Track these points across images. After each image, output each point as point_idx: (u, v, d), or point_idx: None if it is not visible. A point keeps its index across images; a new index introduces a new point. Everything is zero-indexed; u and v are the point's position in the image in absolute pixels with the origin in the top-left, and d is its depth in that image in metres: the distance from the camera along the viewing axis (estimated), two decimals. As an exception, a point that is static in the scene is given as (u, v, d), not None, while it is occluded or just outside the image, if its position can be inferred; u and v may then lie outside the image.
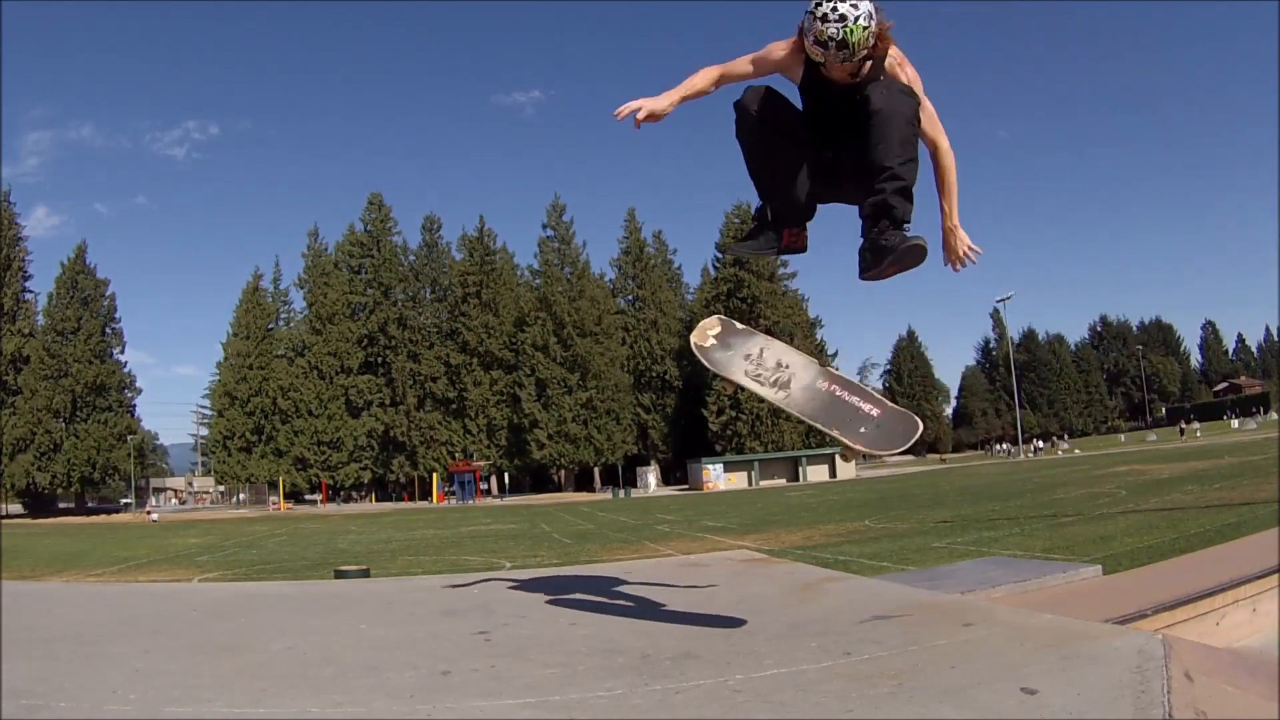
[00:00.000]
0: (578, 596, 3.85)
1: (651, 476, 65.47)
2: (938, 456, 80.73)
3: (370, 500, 69.64)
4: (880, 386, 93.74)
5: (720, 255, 71.72)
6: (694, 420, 68.39)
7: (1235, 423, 68.49)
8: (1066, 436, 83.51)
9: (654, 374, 71.37)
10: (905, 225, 2.79)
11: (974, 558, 9.16)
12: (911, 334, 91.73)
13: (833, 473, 58.87)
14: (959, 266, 3.06)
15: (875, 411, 2.97)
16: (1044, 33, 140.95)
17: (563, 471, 70.30)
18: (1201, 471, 21.69)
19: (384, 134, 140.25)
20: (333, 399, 68.76)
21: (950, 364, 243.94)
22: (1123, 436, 74.05)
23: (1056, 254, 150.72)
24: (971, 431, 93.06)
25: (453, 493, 62.87)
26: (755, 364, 3.20)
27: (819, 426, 3.03)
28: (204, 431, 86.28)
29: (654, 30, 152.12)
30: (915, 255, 2.78)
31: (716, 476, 58.70)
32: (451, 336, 71.04)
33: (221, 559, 18.82)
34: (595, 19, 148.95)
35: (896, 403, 3.08)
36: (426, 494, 66.66)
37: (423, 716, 2.07)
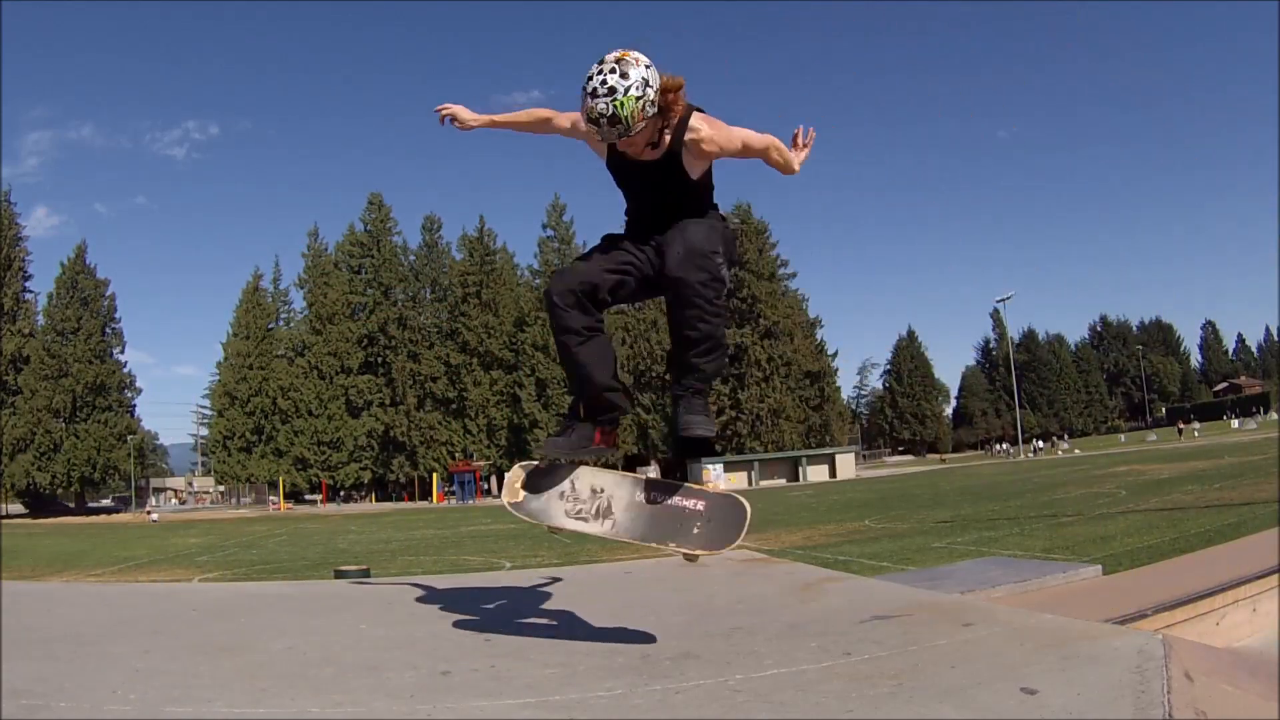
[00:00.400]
0: (578, 596, 3.85)
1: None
2: (938, 456, 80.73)
3: (370, 500, 69.64)
4: (880, 386, 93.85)
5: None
6: (694, 420, 68.32)
7: (1235, 423, 68.47)
8: (1066, 436, 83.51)
9: (654, 374, 71.32)
10: (705, 393, 2.87)
11: (974, 558, 9.16)
12: (911, 334, 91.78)
13: (833, 473, 58.88)
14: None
15: (700, 505, 2.88)
16: (1044, 33, 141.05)
17: (563, 471, 70.24)
18: (1201, 471, 21.69)
19: (384, 134, 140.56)
20: (333, 399, 68.78)
21: (950, 364, 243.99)
22: (1123, 436, 74.04)
23: (1056, 254, 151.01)
24: (971, 431, 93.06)
25: (453, 493, 62.86)
26: (572, 500, 2.97)
27: (654, 545, 2.92)
28: (204, 431, 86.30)
29: (654, 30, 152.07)
30: (697, 443, 2.91)
31: (716, 476, 58.68)
32: (451, 336, 71.06)
33: (221, 559, 18.82)
34: (595, 19, 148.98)
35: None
36: (426, 494, 66.65)
37: (423, 717, 2.07)
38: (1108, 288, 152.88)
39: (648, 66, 2.49)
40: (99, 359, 65.47)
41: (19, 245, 65.73)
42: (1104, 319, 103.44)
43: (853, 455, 65.31)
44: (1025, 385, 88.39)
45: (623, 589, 4.03)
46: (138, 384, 69.65)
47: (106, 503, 71.79)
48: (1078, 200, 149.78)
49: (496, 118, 3.03)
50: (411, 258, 74.24)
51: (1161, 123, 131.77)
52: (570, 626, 3.20)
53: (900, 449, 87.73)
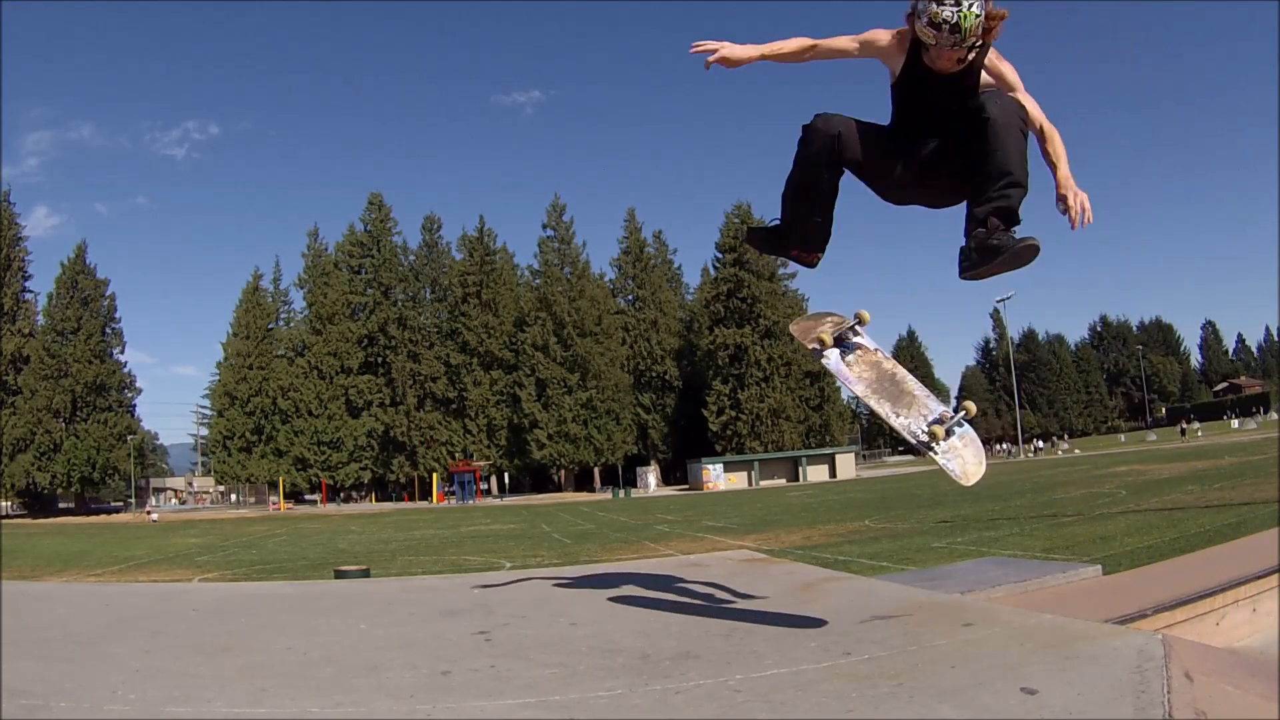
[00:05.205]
0: (578, 596, 3.85)
1: (651, 476, 65.46)
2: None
3: (370, 500, 69.64)
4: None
5: (720, 255, 71.66)
6: (694, 420, 68.38)
7: (1235, 423, 68.44)
8: (1066, 436, 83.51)
9: (654, 374, 71.35)
10: (1016, 228, 2.83)
11: (974, 558, 9.16)
12: (911, 334, 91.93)
13: (833, 473, 58.87)
14: (1077, 223, 2.95)
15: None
16: (1044, 33, 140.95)
17: (563, 471, 70.31)
18: (1201, 471, 21.68)
19: (384, 134, 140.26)
20: (333, 399, 68.76)
21: (950, 364, 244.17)
22: (1123, 436, 74.01)
23: (1056, 254, 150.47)
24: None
25: (453, 493, 62.87)
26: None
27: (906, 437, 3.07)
28: (204, 431, 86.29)
29: (654, 30, 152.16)
30: (1029, 254, 2.81)
31: (716, 476, 58.68)
32: (451, 336, 71.05)
33: (221, 559, 18.82)
34: (595, 19, 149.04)
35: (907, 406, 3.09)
36: (426, 494, 66.66)
37: (423, 717, 2.07)
38: (1108, 288, 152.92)
39: None
40: (99, 359, 65.46)
41: (19, 245, 65.76)
42: (1104, 319, 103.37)
43: (853, 455, 65.34)
44: (1025, 385, 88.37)
45: (623, 589, 4.03)
46: (138, 384, 69.74)
47: (122, 503, 71.24)
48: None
49: (766, 50, 3.04)
50: (411, 258, 74.24)
51: (1162, 122, 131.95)
52: (570, 626, 3.20)
53: (900, 449, 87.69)
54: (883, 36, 2.97)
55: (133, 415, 68.13)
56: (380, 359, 71.19)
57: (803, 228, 3.16)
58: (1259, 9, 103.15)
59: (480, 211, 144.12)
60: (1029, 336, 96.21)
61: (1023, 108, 2.85)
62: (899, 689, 2.12)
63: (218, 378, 71.10)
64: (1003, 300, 70.57)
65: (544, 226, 73.61)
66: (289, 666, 2.62)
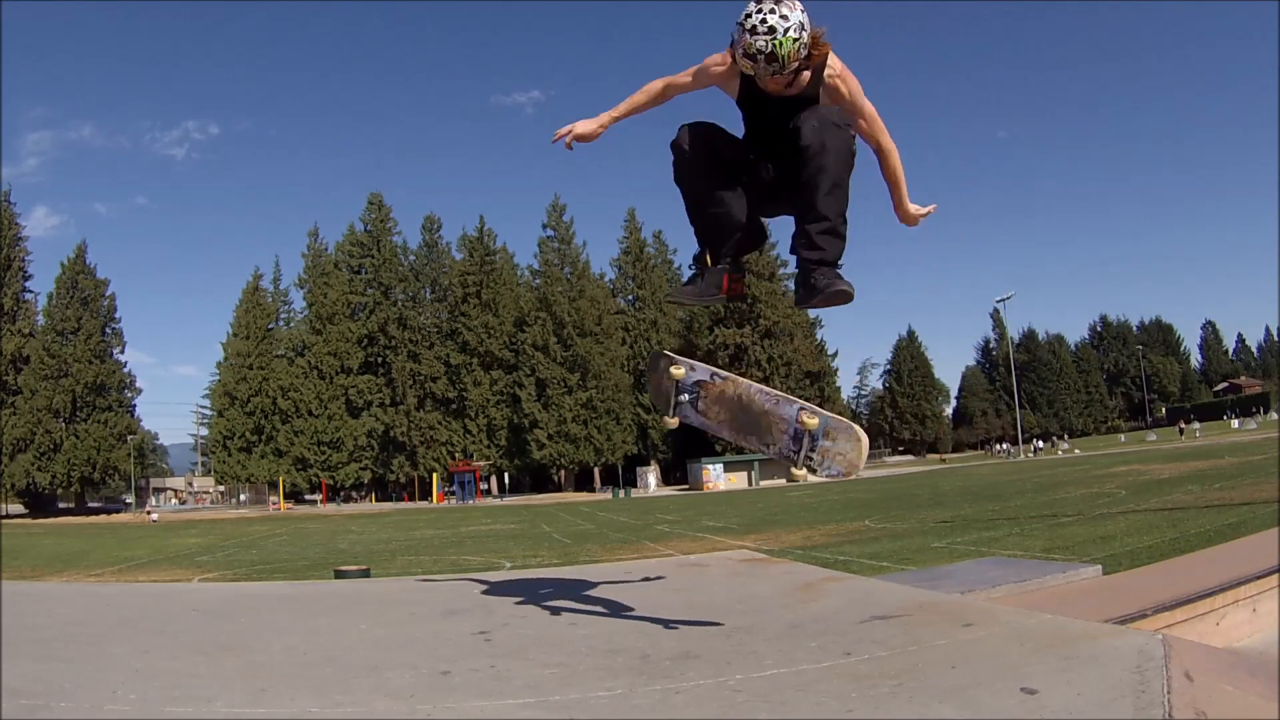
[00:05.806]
0: (578, 596, 3.85)
1: (651, 476, 65.45)
2: (938, 456, 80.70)
3: (370, 500, 69.65)
4: (880, 386, 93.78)
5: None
6: (694, 420, 68.32)
7: (1235, 423, 68.44)
8: (1066, 436, 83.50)
9: (654, 374, 71.33)
10: (836, 265, 2.82)
11: (974, 558, 9.16)
12: (911, 334, 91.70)
13: (833, 473, 58.74)
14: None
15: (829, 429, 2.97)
16: (1044, 33, 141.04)
17: (563, 471, 70.31)
18: (1201, 471, 21.66)
19: (384, 134, 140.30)
20: (333, 399, 68.79)
21: (950, 364, 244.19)
22: (1123, 436, 74.01)
23: (1056, 254, 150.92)
24: (971, 431, 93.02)
25: (453, 493, 62.88)
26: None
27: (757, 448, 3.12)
28: (204, 431, 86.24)
29: (653, 30, 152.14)
30: (840, 298, 2.82)
31: (716, 476, 58.68)
32: (451, 336, 71.07)
33: (221, 559, 18.81)
34: (594, 19, 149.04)
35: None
36: (426, 494, 66.67)
37: (422, 717, 2.07)
38: (1108, 288, 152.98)
39: (803, 11, 2.63)
40: (99, 359, 65.45)
41: (19, 245, 65.76)
42: (1104, 319, 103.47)
43: (853, 455, 65.19)
44: (1025, 385, 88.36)
45: (623, 589, 4.03)
46: (138, 384, 69.73)
47: (128, 499, 70.96)
48: (1078, 200, 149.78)
49: (619, 112, 3.04)
50: (411, 258, 74.28)
51: (1161, 122, 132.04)
52: (570, 626, 3.20)
53: (900, 449, 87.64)
54: (714, 63, 2.92)
55: (133, 415, 68.12)
56: (380, 359, 71.22)
57: (720, 236, 3.02)
58: (1259, 9, 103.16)
59: (480, 211, 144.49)
60: (1029, 336, 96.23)
61: (848, 124, 2.79)
62: (899, 689, 2.12)
63: (218, 378, 71.16)
64: (1003, 300, 70.65)
65: (544, 226, 73.79)
66: (289, 666, 2.62)
